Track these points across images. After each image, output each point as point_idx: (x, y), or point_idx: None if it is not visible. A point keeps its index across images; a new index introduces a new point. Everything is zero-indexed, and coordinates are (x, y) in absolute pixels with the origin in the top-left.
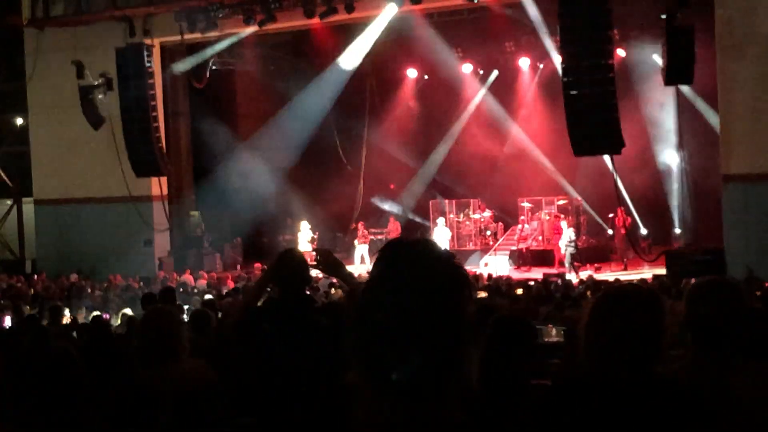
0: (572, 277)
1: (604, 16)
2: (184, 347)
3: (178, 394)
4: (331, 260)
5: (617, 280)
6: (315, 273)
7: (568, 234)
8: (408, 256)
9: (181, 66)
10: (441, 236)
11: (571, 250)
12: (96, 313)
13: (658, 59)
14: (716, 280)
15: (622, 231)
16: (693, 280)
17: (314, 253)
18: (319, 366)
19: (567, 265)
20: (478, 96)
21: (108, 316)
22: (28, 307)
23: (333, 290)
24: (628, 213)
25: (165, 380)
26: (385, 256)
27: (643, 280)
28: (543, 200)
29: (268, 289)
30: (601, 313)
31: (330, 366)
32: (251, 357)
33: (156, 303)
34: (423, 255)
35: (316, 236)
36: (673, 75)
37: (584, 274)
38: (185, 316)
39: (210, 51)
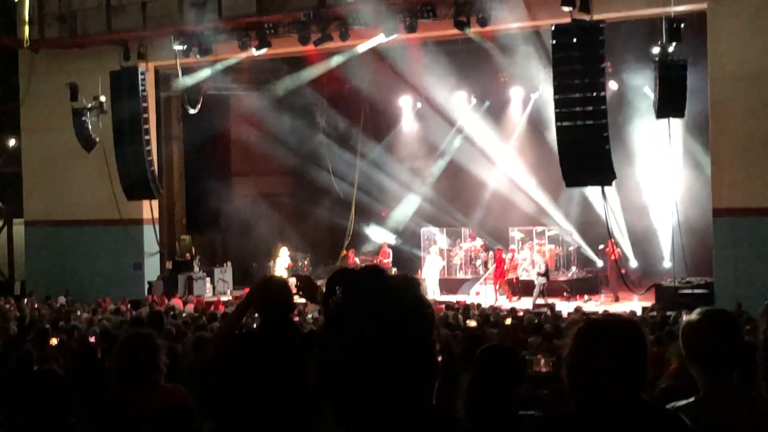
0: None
1: (596, 49)
2: (161, 372)
3: (155, 419)
4: (312, 286)
5: (606, 312)
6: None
7: (539, 265)
8: (358, 287)
9: (182, 82)
10: (433, 265)
11: (541, 280)
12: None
13: (649, 92)
14: (716, 312)
15: (611, 263)
16: (684, 313)
17: (294, 279)
18: (300, 394)
19: (535, 294)
20: (470, 124)
21: (94, 339)
22: (15, 329)
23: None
24: (618, 245)
25: (142, 404)
26: (335, 288)
27: (631, 312)
28: (534, 230)
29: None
30: (584, 344)
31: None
32: (232, 384)
33: (143, 327)
34: (376, 287)
35: (291, 263)
36: (664, 108)
37: (573, 305)
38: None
39: (207, 73)
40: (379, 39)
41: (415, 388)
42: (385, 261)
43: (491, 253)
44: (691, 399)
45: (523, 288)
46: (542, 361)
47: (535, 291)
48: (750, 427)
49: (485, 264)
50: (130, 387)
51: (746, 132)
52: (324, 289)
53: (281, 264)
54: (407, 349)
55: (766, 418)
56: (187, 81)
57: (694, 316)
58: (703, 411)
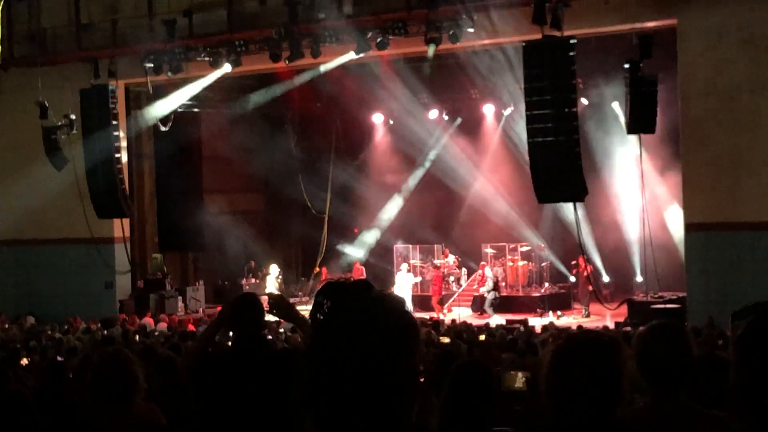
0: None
1: (567, 65)
2: (137, 390)
3: None
4: (284, 304)
5: (580, 327)
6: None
7: (489, 280)
8: (354, 303)
9: (152, 112)
10: (404, 282)
11: (491, 296)
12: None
13: (617, 108)
14: (662, 325)
15: (583, 279)
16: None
17: (267, 298)
18: (274, 413)
19: (487, 308)
20: (442, 141)
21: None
22: None
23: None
24: (590, 261)
25: (116, 423)
26: (324, 304)
27: (605, 328)
28: (507, 246)
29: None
30: (562, 360)
31: (285, 413)
32: (205, 403)
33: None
34: (370, 301)
35: (280, 279)
36: (635, 124)
37: (545, 321)
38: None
39: (180, 96)
40: (349, 56)
41: (399, 405)
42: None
43: (464, 270)
44: (640, 405)
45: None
46: (516, 378)
47: (486, 303)
48: None
49: (458, 280)
50: (103, 406)
51: (717, 147)
52: (313, 301)
53: (271, 282)
54: (394, 366)
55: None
56: (156, 111)
57: (645, 328)
58: (646, 419)
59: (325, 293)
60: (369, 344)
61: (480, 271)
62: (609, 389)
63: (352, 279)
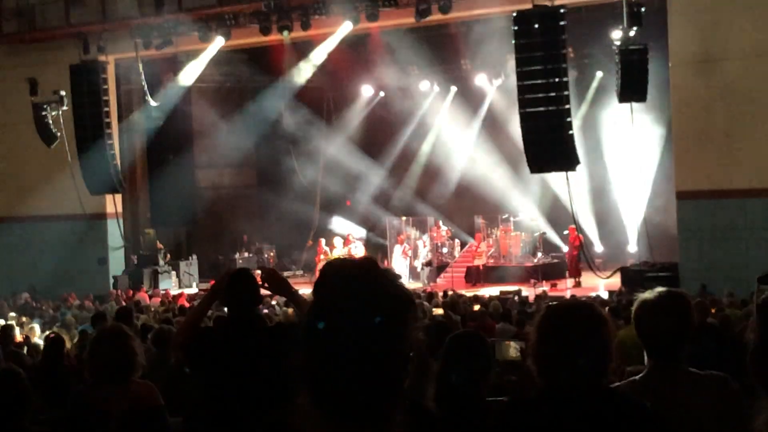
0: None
1: (558, 35)
2: (136, 367)
3: (124, 415)
4: (277, 278)
5: (573, 297)
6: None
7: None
8: (350, 278)
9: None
10: (399, 254)
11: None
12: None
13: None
14: (664, 293)
15: (574, 249)
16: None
17: (260, 272)
18: (269, 386)
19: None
20: (434, 112)
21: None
22: None
23: (287, 308)
24: (580, 231)
25: (113, 400)
26: (327, 277)
27: (597, 297)
28: (499, 217)
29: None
30: (547, 331)
31: (279, 387)
32: (199, 378)
33: (106, 322)
34: (365, 277)
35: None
36: (626, 93)
37: (539, 291)
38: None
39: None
40: (347, 28)
41: (396, 377)
42: (353, 251)
43: (457, 240)
44: (638, 372)
45: (488, 275)
46: (510, 348)
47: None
48: (688, 406)
49: (451, 252)
50: (102, 382)
51: (708, 115)
52: (317, 280)
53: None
54: (392, 339)
55: (706, 397)
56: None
57: (648, 295)
58: (645, 389)
59: (329, 270)
60: (369, 317)
61: (475, 242)
62: (593, 357)
63: (353, 257)
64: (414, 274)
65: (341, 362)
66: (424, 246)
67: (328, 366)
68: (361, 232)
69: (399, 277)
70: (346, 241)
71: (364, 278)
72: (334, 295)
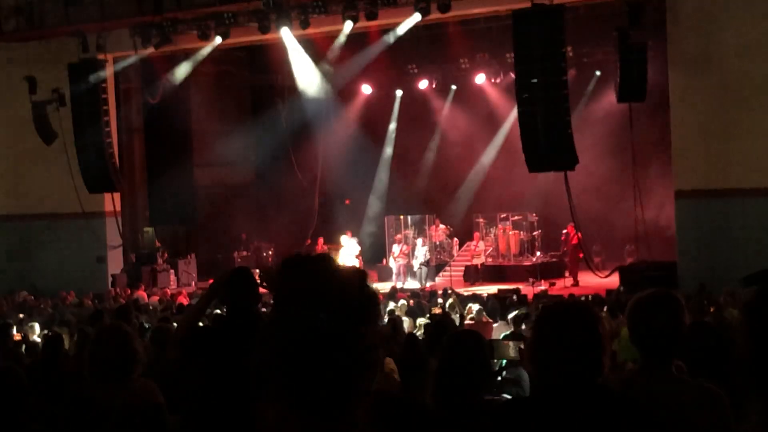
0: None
1: (557, 33)
2: (137, 365)
3: (125, 413)
4: (276, 278)
5: (571, 296)
6: None
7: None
8: (300, 275)
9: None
10: (397, 252)
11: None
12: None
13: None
14: (656, 293)
15: (572, 247)
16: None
17: (259, 271)
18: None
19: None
20: (434, 111)
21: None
22: None
23: None
24: (579, 229)
25: (113, 398)
26: (281, 274)
27: (596, 296)
28: (498, 216)
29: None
30: (542, 331)
31: None
32: (197, 376)
33: (104, 320)
34: (315, 274)
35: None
36: (625, 92)
37: (538, 290)
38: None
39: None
40: (348, 26)
41: (348, 375)
42: (351, 249)
43: (456, 239)
44: (628, 371)
45: (486, 274)
46: (508, 347)
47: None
48: (674, 407)
49: (450, 251)
50: (101, 380)
51: (706, 114)
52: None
53: (348, 253)
54: (348, 336)
55: (693, 403)
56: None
57: (642, 295)
58: (634, 385)
59: (285, 266)
60: (313, 313)
61: (474, 241)
62: (588, 357)
63: (310, 253)
64: (412, 272)
65: (287, 356)
66: (423, 245)
67: (277, 360)
68: (360, 231)
69: (365, 275)
70: (346, 238)
71: (314, 275)
72: (284, 292)
